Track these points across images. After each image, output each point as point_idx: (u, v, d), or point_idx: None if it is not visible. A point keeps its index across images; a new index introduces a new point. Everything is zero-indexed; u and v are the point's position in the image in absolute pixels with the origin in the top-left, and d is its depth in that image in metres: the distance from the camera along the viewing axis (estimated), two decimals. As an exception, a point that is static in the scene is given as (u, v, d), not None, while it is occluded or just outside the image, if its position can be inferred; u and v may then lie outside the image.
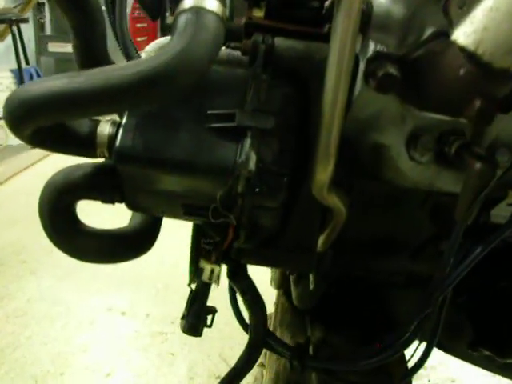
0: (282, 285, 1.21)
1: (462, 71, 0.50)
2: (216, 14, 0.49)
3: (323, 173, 0.59)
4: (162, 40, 0.66)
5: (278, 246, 0.70)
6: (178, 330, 2.36)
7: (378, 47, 0.60)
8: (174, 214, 0.65)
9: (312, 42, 0.64)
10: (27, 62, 4.72)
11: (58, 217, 0.62)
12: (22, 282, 2.44)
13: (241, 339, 2.16)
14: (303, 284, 1.06)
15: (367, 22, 0.58)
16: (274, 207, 0.60)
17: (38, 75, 4.85)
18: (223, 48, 0.66)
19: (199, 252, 0.69)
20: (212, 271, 0.61)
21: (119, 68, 0.46)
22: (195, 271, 0.71)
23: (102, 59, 0.66)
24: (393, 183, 0.67)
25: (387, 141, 0.64)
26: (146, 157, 0.56)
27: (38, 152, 4.46)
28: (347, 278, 0.94)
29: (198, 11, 0.48)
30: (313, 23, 0.66)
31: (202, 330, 0.65)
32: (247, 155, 0.55)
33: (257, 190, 0.57)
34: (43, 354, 1.95)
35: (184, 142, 0.56)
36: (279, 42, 0.63)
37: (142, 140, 0.56)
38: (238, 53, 0.66)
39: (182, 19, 0.48)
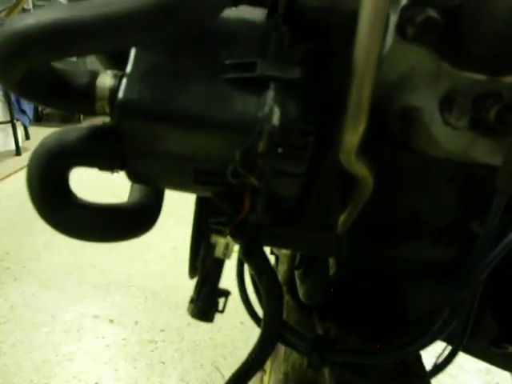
0: (287, 282, 1.13)
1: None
2: None
3: (354, 133, 0.52)
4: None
5: (296, 223, 0.63)
6: (169, 338, 2.26)
7: (413, -5, 0.54)
8: (183, 184, 0.57)
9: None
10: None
11: (49, 186, 0.54)
12: (4, 288, 2.32)
13: (234, 348, 2.07)
14: (313, 278, 0.99)
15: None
16: (297, 173, 0.53)
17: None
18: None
19: (203, 234, 0.62)
20: (227, 245, 0.54)
21: None
22: (196, 257, 0.64)
23: None
24: (423, 153, 0.61)
25: (419, 103, 0.58)
26: (154, 110, 0.48)
27: (22, 159, 4.35)
28: (361, 269, 0.87)
29: None
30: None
31: (213, 316, 0.58)
32: (271, 108, 0.48)
33: (280, 150, 0.50)
34: (27, 363, 1.83)
35: (198, 94, 0.49)
36: (301, -9, 0.57)
37: (149, 91, 0.48)
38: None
39: None
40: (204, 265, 0.61)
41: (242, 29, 0.54)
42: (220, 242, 0.53)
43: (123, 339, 2.03)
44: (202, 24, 0.46)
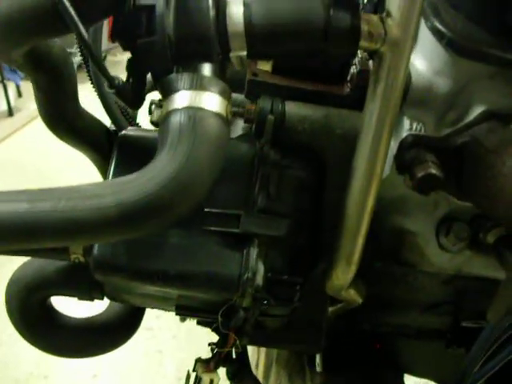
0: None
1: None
2: (218, 115, 0.37)
3: (342, 279, 0.50)
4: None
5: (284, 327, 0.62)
6: (165, 324, 2.28)
7: (414, 126, 0.49)
8: (165, 309, 0.56)
9: (330, 107, 0.53)
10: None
11: (30, 315, 0.53)
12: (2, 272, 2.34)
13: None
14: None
15: (404, 96, 0.47)
16: (283, 314, 0.51)
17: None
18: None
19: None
20: (211, 382, 0.53)
21: (94, 193, 0.35)
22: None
23: (71, 120, 0.55)
24: (416, 268, 0.59)
25: (414, 227, 0.55)
26: (130, 268, 0.46)
27: (14, 121, 4.24)
28: (352, 330, 0.87)
29: (195, 114, 0.36)
30: (330, 78, 0.55)
31: None
32: (254, 270, 0.45)
33: (265, 302, 0.48)
34: (26, 356, 1.89)
35: (177, 250, 0.46)
36: (291, 108, 0.52)
37: (124, 248, 0.45)
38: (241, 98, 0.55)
39: (175, 124, 0.36)
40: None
41: (226, 161, 0.49)
42: (205, 379, 0.52)
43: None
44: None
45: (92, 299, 0.53)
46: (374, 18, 0.41)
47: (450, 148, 0.48)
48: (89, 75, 0.59)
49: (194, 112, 0.37)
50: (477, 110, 0.47)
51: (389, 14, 0.40)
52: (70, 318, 0.57)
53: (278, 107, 0.51)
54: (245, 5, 0.40)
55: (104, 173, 0.65)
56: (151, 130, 0.52)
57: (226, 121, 0.38)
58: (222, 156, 0.38)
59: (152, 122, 0.51)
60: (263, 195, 0.47)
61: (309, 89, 0.53)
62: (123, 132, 0.50)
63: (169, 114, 0.37)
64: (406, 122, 0.49)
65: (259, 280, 0.45)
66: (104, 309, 0.60)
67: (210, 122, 0.37)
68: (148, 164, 0.36)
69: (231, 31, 0.40)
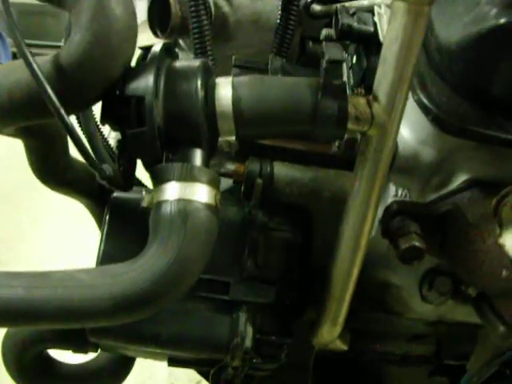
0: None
1: (504, 272, 0.42)
2: (207, 205, 0.38)
3: (328, 337, 0.52)
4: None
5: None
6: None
7: (400, 192, 0.51)
8: (159, 360, 0.57)
9: (318, 168, 0.54)
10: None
11: (26, 368, 0.55)
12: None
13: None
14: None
15: (391, 164, 0.49)
16: (272, 367, 0.53)
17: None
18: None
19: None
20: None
21: (89, 283, 0.36)
22: None
23: (62, 174, 0.56)
24: (400, 315, 0.61)
25: (398, 281, 0.57)
26: (123, 332, 0.47)
27: None
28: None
29: (185, 207, 0.37)
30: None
31: None
32: (243, 334, 0.47)
33: (254, 360, 0.50)
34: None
35: (169, 314, 0.47)
36: (279, 170, 0.53)
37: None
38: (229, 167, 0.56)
39: (166, 217, 0.37)
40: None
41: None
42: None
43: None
44: None
45: (87, 353, 0.55)
46: (362, 101, 0.41)
47: (434, 215, 0.49)
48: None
49: (184, 205, 0.38)
50: (460, 178, 0.49)
51: (376, 99, 0.41)
52: (65, 365, 0.58)
53: (267, 169, 0.52)
54: (233, 88, 0.41)
55: (96, 216, 0.66)
56: (141, 189, 0.53)
57: (216, 209, 0.39)
58: (211, 245, 0.39)
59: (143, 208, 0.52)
60: (251, 262, 0.49)
61: (297, 148, 0.54)
62: (114, 195, 0.51)
63: (159, 204, 0.38)
64: (392, 188, 0.51)
65: (248, 343, 0.47)
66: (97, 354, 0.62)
67: (200, 215, 0.38)
68: (140, 254, 0.37)
69: (220, 117, 0.40)
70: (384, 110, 0.41)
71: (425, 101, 0.46)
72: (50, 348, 0.55)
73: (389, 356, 0.87)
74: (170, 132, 0.39)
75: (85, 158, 0.38)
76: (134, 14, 0.40)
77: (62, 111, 0.36)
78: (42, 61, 0.38)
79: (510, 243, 0.40)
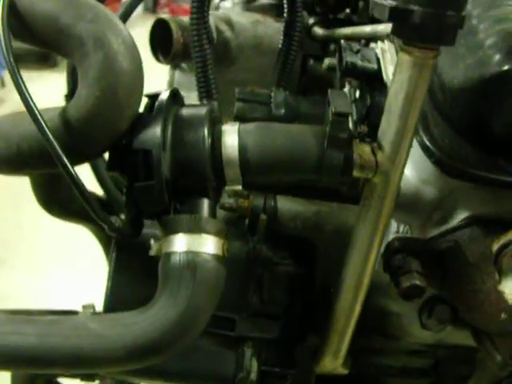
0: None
1: (503, 315, 0.43)
2: (216, 258, 0.39)
3: (330, 367, 0.53)
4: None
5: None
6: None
7: (401, 228, 0.52)
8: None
9: (322, 202, 0.54)
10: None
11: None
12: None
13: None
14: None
15: (392, 203, 0.49)
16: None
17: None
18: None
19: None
20: None
21: (100, 333, 0.37)
22: None
23: (66, 204, 0.56)
24: (399, 339, 0.62)
25: (398, 309, 0.58)
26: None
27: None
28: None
29: (194, 260, 0.38)
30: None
31: None
32: (248, 369, 0.48)
33: None
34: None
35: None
36: (283, 205, 0.54)
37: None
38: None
39: (175, 269, 0.38)
40: None
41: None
42: None
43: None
44: None
45: (94, 380, 0.56)
46: (367, 149, 0.42)
47: (435, 251, 0.50)
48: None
49: (192, 257, 0.38)
50: (461, 215, 0.50)
51: (380, 147, 0.42)
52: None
53: (271, 204, 0.53)
54: (240, 136, 0.41)
55: (103, 243, 0.66)
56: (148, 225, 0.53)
57: (223, 258, 0.40)
58: (219, 293, 0.40)
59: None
60: (256, 299, 0.50)
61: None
62: (121, 230, 0.51)
63: (168, 255, 0.39)
64: (394, 225, 0.51)
65: (253, 377, 0.49)
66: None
67: (208, 266, 0.39)
68: (150, 304, 0.38)
69: (226, 165, 0.41)
70: (388, 158, 0.41)
71: (427, 143, 0.47)
72: (59, 377, 0.56)
73: (388, 369, 0.89)
74: (177, 182, 0.40)
75: (92, 212, 0.38)
76: (140, 65, 0.40)
77: (72, 169, 0.36)
78: (50, 116, 0.38)
79: (509, 291, 0.41)
